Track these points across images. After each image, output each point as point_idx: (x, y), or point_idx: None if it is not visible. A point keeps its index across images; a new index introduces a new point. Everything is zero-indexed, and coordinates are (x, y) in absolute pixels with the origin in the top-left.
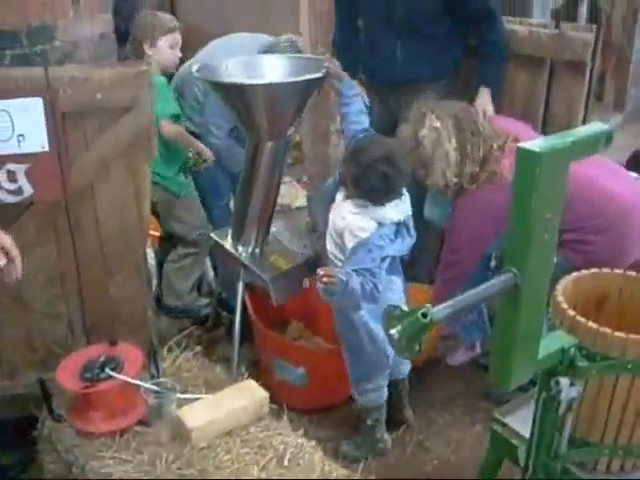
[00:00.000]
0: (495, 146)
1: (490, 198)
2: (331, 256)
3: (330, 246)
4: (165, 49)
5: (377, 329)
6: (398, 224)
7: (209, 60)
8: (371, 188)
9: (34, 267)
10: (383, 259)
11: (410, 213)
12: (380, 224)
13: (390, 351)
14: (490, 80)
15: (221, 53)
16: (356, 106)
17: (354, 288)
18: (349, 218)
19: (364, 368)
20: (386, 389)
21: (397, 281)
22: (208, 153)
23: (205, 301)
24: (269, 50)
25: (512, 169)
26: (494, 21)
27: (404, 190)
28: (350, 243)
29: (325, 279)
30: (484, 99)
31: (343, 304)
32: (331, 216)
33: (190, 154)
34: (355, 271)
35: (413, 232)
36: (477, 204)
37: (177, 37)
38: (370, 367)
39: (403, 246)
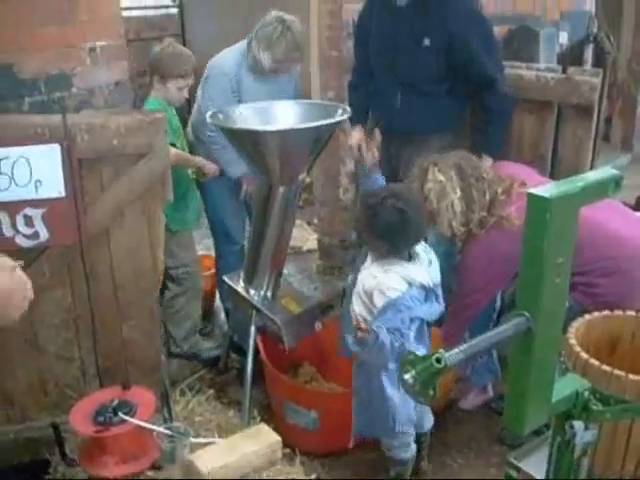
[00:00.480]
0: (500, 190)
1: (498, 243)
2: (359, 317)
3: (358, 307)
4: (173, 89)
5: (393, 395)
6: (427, 289)
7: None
8: (386, 227)
9: (48, 310)
10: (412, 320)
11: (439, 280)
12: (410, 285)
13: (400, 420)
14: (490, 147)
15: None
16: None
17: (384, 342)
18: (380, 277)
19: (368, 423)
20: (414, 446)
21: (423, 352)
22: (208, 165)
23: (209, 345)
24: (257, 33)
25: (520, 214)
26: (494, 89)
27: (433, 256)
28: (380, 302)
29: (362, 325)
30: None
31: (371, 358)
32: (360, 277)
33: (190, 171)
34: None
35: (442, 300)
36: (486, 249)
37: (188, 81)
38: (371, 424)
39: (431, 311)
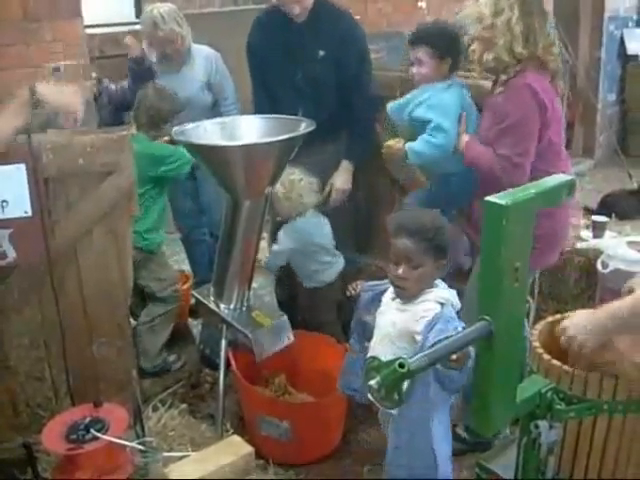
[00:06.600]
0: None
1: (544, 84)
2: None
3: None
4: None
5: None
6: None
7: None
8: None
9: (18, 330)
10: None
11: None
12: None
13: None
14: (351, 154)
15: None
16: None
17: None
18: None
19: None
20: None
21: None
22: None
23: (173, 357)
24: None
25: None
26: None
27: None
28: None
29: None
30: (341, 173)
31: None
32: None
33: None
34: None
35: None
36: (534, 83)
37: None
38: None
39: None
